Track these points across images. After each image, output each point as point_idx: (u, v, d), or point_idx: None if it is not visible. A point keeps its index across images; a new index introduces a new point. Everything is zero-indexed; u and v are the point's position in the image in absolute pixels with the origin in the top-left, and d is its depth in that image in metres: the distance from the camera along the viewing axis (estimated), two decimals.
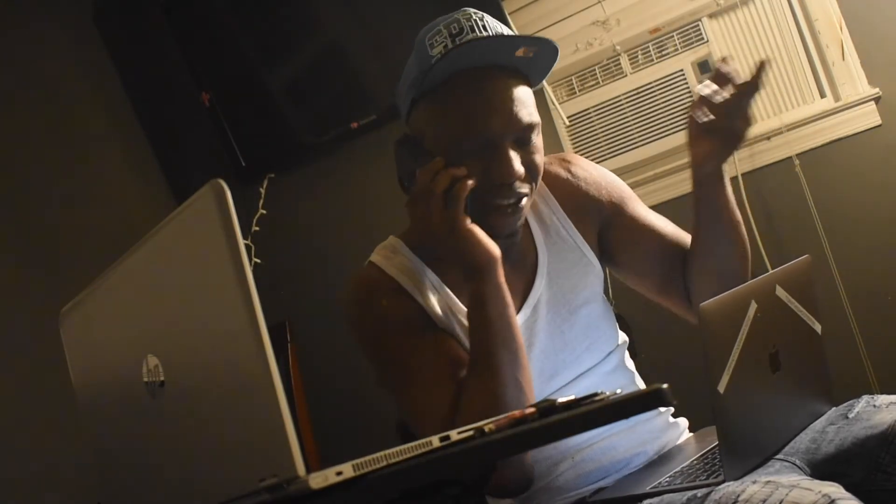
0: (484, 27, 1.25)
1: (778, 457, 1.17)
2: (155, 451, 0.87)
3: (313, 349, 2.47)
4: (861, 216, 2.17)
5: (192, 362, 0.80)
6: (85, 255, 2.47)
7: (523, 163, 1.25)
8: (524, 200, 1.27)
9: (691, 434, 1.43)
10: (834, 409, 1.27)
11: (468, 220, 1.20)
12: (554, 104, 2.40)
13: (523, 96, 1.26)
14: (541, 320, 1.33)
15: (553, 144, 2.41)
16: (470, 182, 1.20)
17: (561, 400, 0.86)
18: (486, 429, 0.82)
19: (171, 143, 2.91)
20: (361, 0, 2.59)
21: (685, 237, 1.43)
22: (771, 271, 1.21)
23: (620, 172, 2.14)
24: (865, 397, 1.24)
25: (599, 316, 1.40)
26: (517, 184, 1.25)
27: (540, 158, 1.28)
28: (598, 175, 1.45)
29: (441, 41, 1.24)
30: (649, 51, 2.30)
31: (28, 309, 2.30)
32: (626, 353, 1.45)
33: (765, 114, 2.25)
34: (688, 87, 2.26)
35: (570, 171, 1.44)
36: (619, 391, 0.86)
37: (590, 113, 2.38)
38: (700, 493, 1.05)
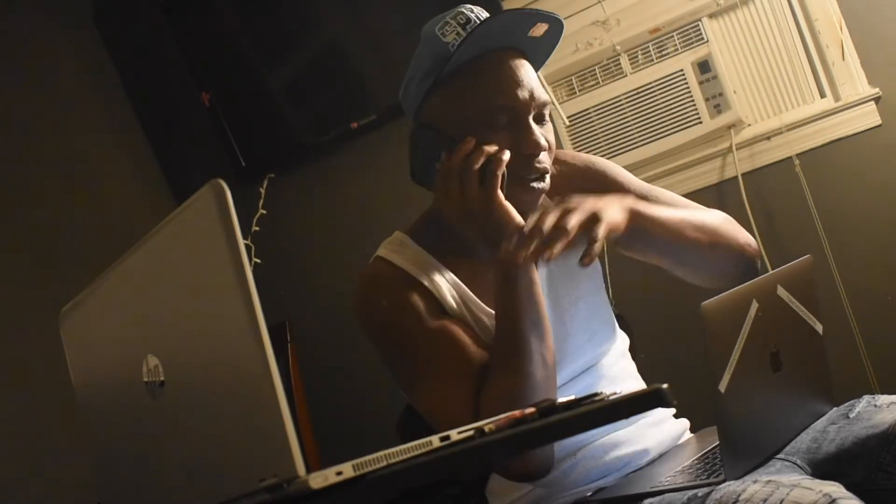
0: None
1: (779, 456, 1.17)
2: (155, 451, 0.87)
3: (313, 349, 2.47)
4: (861, 216, 2.17)
5: (192, 362, 0.80)
6: (85, 255, 2.47)
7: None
8: (547, 178, 1.30)
9: (692, 434, 1.43)
10: (835, 408, 1.27)
11: (503, 197, 1.22)
12: (554, 104, 2.39)
13: (535, 75, 1.31)
14: (547, 320, 1.34)
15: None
16: (504, 157, 1.22)
17: (561, 400, 0.86)
18: (486, 429, 0.82)
19: (171, 143, 2.91)
20: (361, 0, 2.59)
21: (685, 204, 1.44)
22: (772, 271, 1.22)
23: None
24: (866, 397, 1.24)
25: (600, 309, 1.40)
26: (541, 157, 1.28)
27: (553, 137, 1.32)
28: (581, 164, 1.47)
29: (452, 30, 1.27)
30: (649, 51, 2.30)
31: (28, 309, 2.30)
32: (629, 355, 1.46)
33: (765, 114, 2.25)
34: (688, 87, 2.26)
35: (556, 165, 1.45)
36: (618, 391, 0.86)
37: (590, 113, 2.38)
38: (701, 492, 1.05)
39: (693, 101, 2.26)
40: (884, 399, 1.21)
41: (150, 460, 0.89)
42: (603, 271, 1.47)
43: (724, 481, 1.06)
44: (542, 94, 1.29)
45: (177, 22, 2.73)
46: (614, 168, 1.48)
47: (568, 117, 2.40)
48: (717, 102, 2.24)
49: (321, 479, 0.68)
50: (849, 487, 0.97)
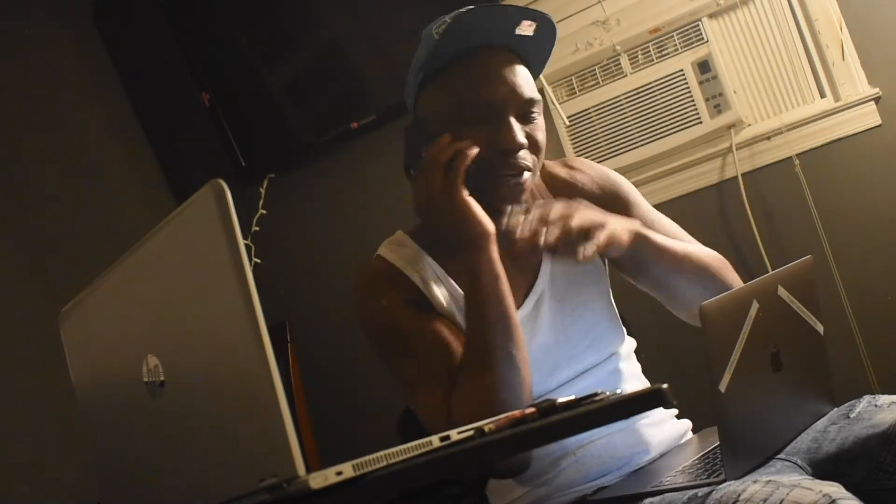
0: None
1: (779, 456, 1.17)
2: (155, 451, 0.87)
3: (313, 349, 2.47)
4: (861, 216, 2.16)
5: (192, 362, 0.80)
6: (85, 255, 2.47)
7: (526, 137, 1.28)
8: (527, 174, 1.29)
9: (693, 435, 1.43)
10: (835, 409, 1.27)
11: (466, 193, 1.22)
12: (554, 104, 2.39)
13: (524, 74, 1.30)
14: (543, 315, 1.34)
15: (553, 144, 2.40)
16: (472, 152, 1.23)
17: (561, 400, 0.86)
18: (486, 429, 0.82)
19: (171, 143, 2.91)
20: (361, 0, 2.58)
21: (685, 238, 1.44)
22: (773, 271, 1.22)
23: (620, 172, 2.13)
24: (867, 397, 1.24)
25: (603, 315, 1.40)
26: (521, 154, 1.27)
27: (542, 136, 1.31)
28: (597, 174, 1.47)
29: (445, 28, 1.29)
30: (649, 51, 2.30)
31: (28, 309, 2.30)
32: (633, 357, 1.46)
33: (765, 114, 2.25)
34: (688, 87, 2.26)
35: (570, 173, 1.46)
36: (619, 391, 0.86)
37: (590, 113, 2.38)
38: (701, 492, 1.05)
39: (693, 101, 2.26)
40: (884, 399, 1.21)
41: (150, 460, 0.89)
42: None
43: (724, 481, 1.06)
44: (529, 92, 1.29)
45: (177, 22, 2.73)
46: (627, 185, 1.48)
47: (568, 117, 2.40)
48: (717, 102, 2.24)
49: (321, 479, 0.68)
50: (849, 487, 0.97)
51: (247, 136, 2.73)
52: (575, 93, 2.40)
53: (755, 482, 1.00)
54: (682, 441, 1.39)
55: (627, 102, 2.33)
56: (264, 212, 2.77)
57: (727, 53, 2.25)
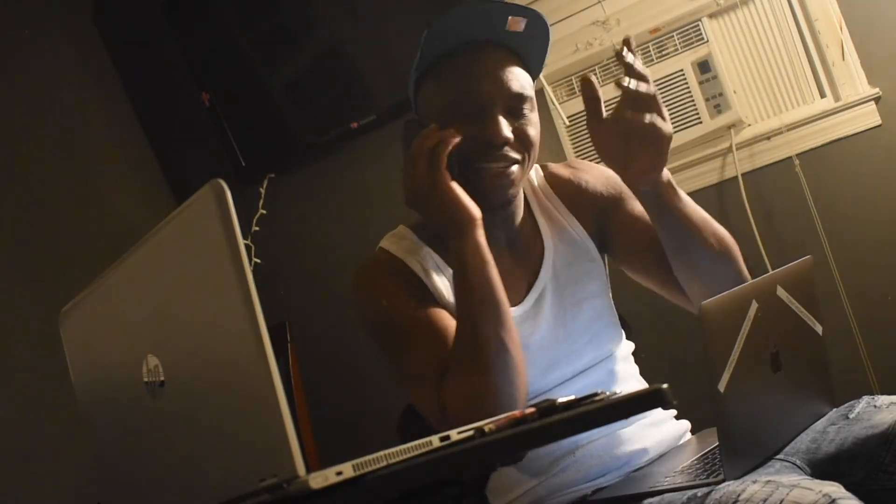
0: None
1: (778, 457, 1.17)
2: (155, 451, 0.87)
3: (313, 349, 2.47)
4: (861, 216, 2.16)
5: (192, 362, 0.80)
6: (85, 255, 2.47)
7: (515, 132, 1.29)
8: (514, 167, 1.30)
9: (692, 436, 1.43)
10: (834, 409, 1.27)
11: (450, 179, 1.23)
12: (554, 104, 2.39)
13: (515, 69, 1.31)
14: (544, 311, 1.35)
15: (553, 144, 2.40)
16: (454, 140, 1.23)
17: (561, 400, 0.86)
18: (486, 429, 0.82)
19: (171, 143, 2.91)
20: (361, 0, 2.58)
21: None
22: (772, 271, 1.22)
23: None
24: (866, 398, 1.24)
25: (602, 312, 1.41)
26: (507, 149, 1.28)
27: (533, 132, 1.32)
28: (597, 173, 1.49)
29: None
30: (649, 51, 2.30)
31: (28, 309, 2.30)
32: (632, 359, 1.46)
33: (765, 114, 2.25)
34: (688, 87, 2.26)
35: (573, 173, 1.48)
36: (618, 391, 0.86)
37: None
38: (700, 492, 1.05)
39: (693, 101, 2.26)
40: (883, 399, 1.21)
41: (150, 460, 0.89)
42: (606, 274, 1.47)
43: (723, 481, 1.06)
44: (517, 87, 1.29)
45: (177, 22, 2.73)
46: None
47: (568, 117, 2.40)
48: (717, 102, 2.24)
49: (321, 479, 0.68)
50: (848, 488, 0.97)
51: (247, 136, 2.73)
52: (575, 93, 2.40)
53: (755, 482, 1.00)
54: (681, 442, 1.39)
55: None
56: (264, 212, 2.77)
57: (727, 53, 2.25)
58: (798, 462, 1.15)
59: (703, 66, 2.25)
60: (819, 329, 1.26)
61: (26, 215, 2.45)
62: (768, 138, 2.23)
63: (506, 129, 1.27)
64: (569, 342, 1.34)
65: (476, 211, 1.23)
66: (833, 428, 1.20)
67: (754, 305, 1.12)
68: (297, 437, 0.69)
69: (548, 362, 1.33)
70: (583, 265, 1.40)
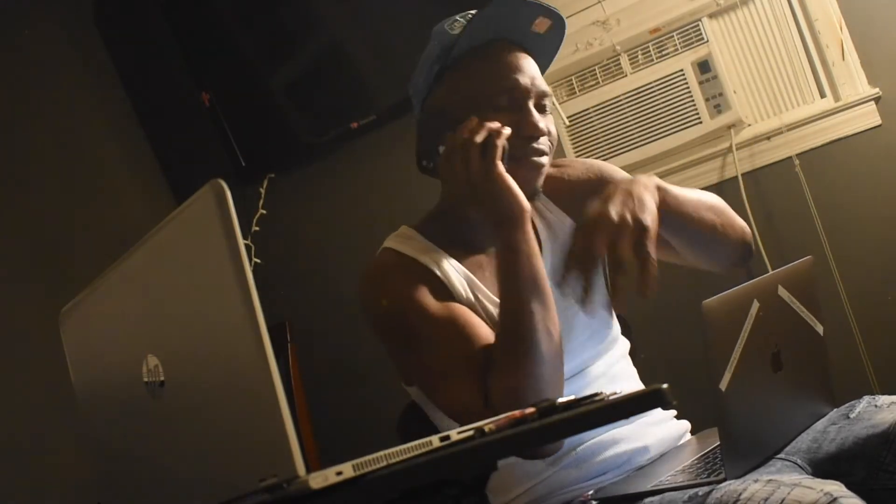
0: None
1: (779, 456, 1.17)
2: (155, 451, 0.87)
3: (313, 349, 2.47)
4: (861, 216, 2.17)
5: (192, 362, 0.80)
6: (85, 255, 2.47)
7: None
8: (546, 158, 1.33)
9: (693, 436, 1.43)
10: (835, 409, 1.27)
11: (503, 169, 1.24)
12: (554, 104, 2.39)
13: (537, 68, 1.36)
14: (550, 292, 1.35)
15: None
16: (506, 131, 1.25)
17: (561, 400, 0.86)
18: (486, 429, 0.82)
19: (171, 143, 2.91)
20: (361, 0, 2.58)
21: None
22: (773, 271, 1.22)
23: None
24: (867, 397, 1.25)
25: (602, 307, 1.41)
26: (541, 140, 1.32)
27: (554, 128, 1.36)
28: (578, 164, 1.52)
29: (460, 25, 1.33)
30: (649, 51, 2.30)
31: (28, 309, 2.30)
32: (629, 359, 1.46)
33: (765, 114, 2.25)
34: (688, 87, 2.26)
35: (557, 170, 1.50)
36: (618, 390, 0.86)
37: (590, 113, 2.38)
38: (701, 491, 1.05)
39: (693, 101, 2.26)
40: (884, 399, 1.21)
41: (150, 460, 0.89)
42: (603, 270, 1.47)
43: (724, 480, 1.06)
44: (543, 84, 1.33)
45: (177, 22, 2.73)
46: (611, 167, 1.52)
47: (568, 117, 2.40)
48: (717, 102, 2.24)
49: (321, 479, 0.68)
50: (849, 487, 0.97)
51: (247, 136, 2.73)
52: (575, 93, 2.40)
53: (756, 481, 1.00)
54: (682, 441, 1.39)
55: (627, 102, 2.34)
56: (264, 212, 2.77)
57: (727, 53, 2.25)
58: (799, 461, 1.15)
59: (703, 66, 2.25)
60: (820, 329, 1.26)
61: (26, 215, 2.45)
62: (768, 138, 2.23)
63: (541, 121, 1.31)
64: (571, 337, 1.34)
65: (527, 202, 1.25)
66: (834, 427, 1.20)
67: (756, 305, 1.12)
68: (297, 437, 0.69)
69: None
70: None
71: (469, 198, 1.26)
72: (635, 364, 1.48)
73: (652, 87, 2.30)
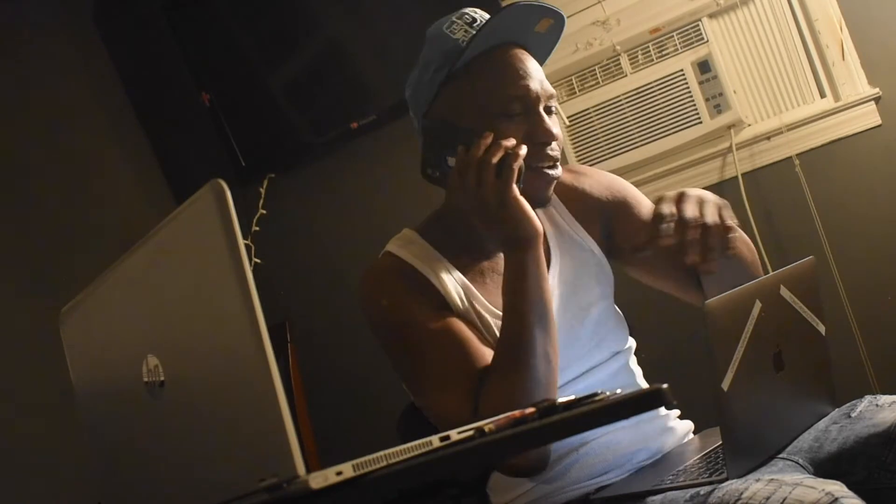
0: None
1: (781, 456, 1.17)
2: (155, 451, 0.87)
3: (313, 349, 2.47)
4: (861, 216, 2.17)
5: (192, 362, 0.80)
6: (85, 255, 2.47)
7: None
8: (559, 170, 1.32)
9: (695, 435, 1.43)
10: (837, 409, 1.27)
11: (518, 192, 1.23)
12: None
13: (540, 68, 1.34)
14: (553, 316, 1.34)
15: None
16: (521, 151, 1.24)
17: (561, 400, 0.86)
18: (486, 429, 0.82)
19: (171, 143, 2.91)
20: (361, 0, 2.59)
21: None
22: (775, 271, 1.21)
23: (620, 172, 2.14)
24: (868, 397, 1.25)
25: (609, 315, 1.41)
26: (553, 145, 1.30)
27: (560, 130, 1.34)
28: (601, 179, 1.49)
29: (460, 28, 1.31)
30: (649, 51, 2.30)
31: (28, 309, 2.30)
32: (634, 359, 1.46)
33: (765, 114, 2.25)
34: (688, 87, 2.26)
35: (576, 178, 1.48)
36: (619, 391, 0.86)
37: (590, 113, 2.38)
38: (703, 490, 1.05)
39: (693, 101, 2.26)
40: (886, 399, 1.21)
41: (151, 460, 0.88)
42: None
43: (726, 480, 1.06)
44: (549, 86, 1.32)
45: (177, 22, 2.73)
46: (632, 188, 1.50)
47: (568, 117, 2.40)
48: (717, 102, 2.24)
49: (321, 479, 0.68)
50: (851, 486, 0.97)
51: (247, 136, 2.73)
52: (575, 93, 2.40)
53: (757, 481, 1.00)
54: (684, 441, 1.39)
55: (627, 102, 2.33)
56: (264, 212, 2.77)
57: (727, 53, 2.25)
58: (800, 461, 1.15)
59: (703, 66, 2.25)
60: (822, 329, 1.26)
61: (26, 215, 2.45)
62: (768, 138, 2.23)
63: (553, 126, 1.30)
64: (576, 347, 1.34)
65: (539, 225, 1.23)
66: (835, 427, 1.20)
67: (758, 305, 1.12)
68: (297, 437, 0.69)
69: (560, 366, 1.32)
70: (589, 270, 1.40)
71: (480, 216, 1.25)
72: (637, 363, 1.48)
73: (652, 87, 2.30)
